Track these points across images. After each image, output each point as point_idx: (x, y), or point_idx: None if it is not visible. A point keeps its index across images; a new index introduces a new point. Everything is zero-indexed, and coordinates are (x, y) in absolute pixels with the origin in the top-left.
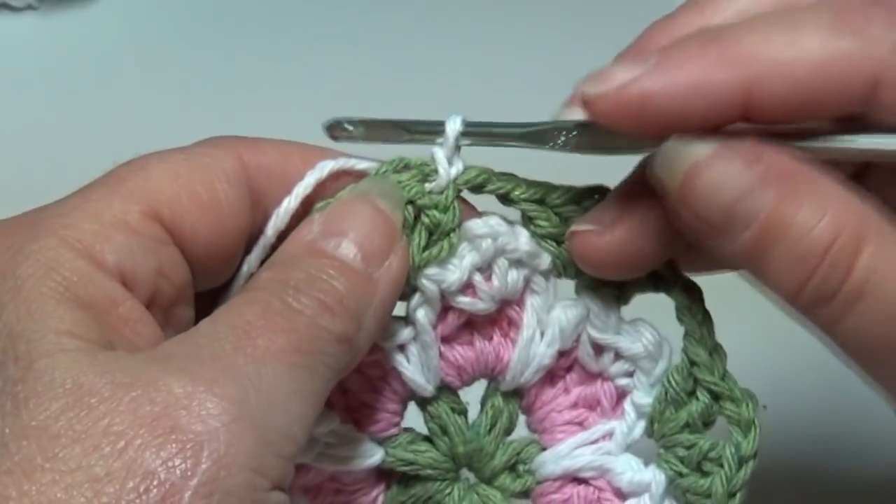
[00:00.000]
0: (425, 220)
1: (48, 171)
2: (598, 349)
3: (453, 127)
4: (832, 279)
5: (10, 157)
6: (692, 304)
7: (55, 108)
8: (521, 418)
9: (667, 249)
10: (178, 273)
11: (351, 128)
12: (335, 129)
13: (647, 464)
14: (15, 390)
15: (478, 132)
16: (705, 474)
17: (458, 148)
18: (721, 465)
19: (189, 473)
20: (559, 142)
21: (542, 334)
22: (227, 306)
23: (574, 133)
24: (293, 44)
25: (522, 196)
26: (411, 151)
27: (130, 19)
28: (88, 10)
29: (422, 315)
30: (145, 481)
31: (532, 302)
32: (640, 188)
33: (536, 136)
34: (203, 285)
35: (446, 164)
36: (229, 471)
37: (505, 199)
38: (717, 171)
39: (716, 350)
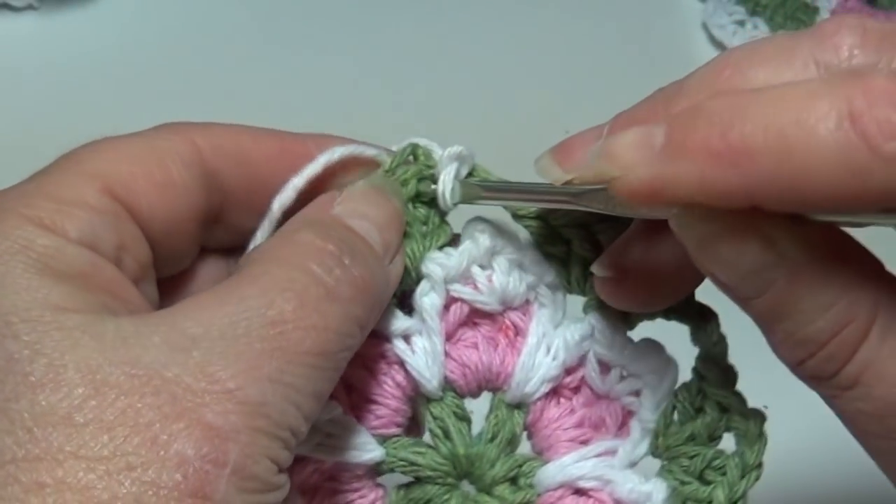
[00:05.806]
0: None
1: None
2: (605, 367)
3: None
4: (828, 367)
5: (9, 157)
6: (707, 327)
7: (55, 107)
8: (526, 444)
9: (691, 284)
10: (139, 249)
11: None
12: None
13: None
14: (25, 371)
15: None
16: (707, 483)
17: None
18: (724, 474)
19: (221, 461)
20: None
21: (549, 347)
22: (259, 281)
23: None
24: (294, 43)
25: (527, 213)
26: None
27: (130, 19)
28: (88, 10)
29: (428, 302)
30: (182, 468)
31: (539, 313)
32: (653, 229)
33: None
34: (164, 269)
35: (450, 186)
36: (254, 459)
37: (514, 215)
38: (733, 247)
39: (729, 370)
